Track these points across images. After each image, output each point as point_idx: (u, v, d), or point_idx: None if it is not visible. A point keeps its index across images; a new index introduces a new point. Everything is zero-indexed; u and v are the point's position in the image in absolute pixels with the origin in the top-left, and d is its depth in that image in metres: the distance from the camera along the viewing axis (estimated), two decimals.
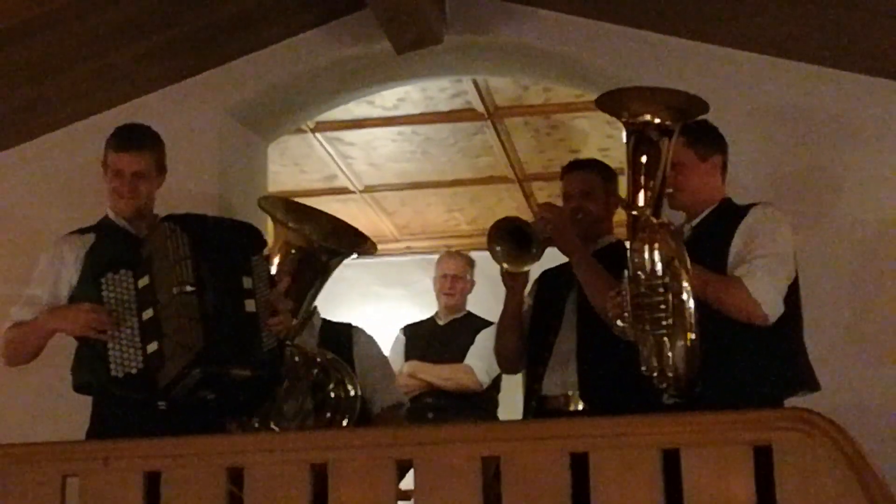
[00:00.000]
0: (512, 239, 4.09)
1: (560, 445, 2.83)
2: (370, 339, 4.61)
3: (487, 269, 4.22)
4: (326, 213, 4.44)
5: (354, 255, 4.39)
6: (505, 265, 4.13)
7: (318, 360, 4.15)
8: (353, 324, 4.63)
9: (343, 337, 4.47)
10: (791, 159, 4.90)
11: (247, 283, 3.78)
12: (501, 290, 4.34)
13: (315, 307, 4.48)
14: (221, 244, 3.82)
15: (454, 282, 6.09)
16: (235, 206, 5.32)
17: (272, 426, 4.04)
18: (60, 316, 3.87)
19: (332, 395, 4.13)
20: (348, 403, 4.14)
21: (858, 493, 2.63)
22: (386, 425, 4.26)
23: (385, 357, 4.70)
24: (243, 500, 2.99)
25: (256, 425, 4.02)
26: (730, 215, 3.78)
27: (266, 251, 3.99)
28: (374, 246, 4.48)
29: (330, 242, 4.26)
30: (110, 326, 3.73)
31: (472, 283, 6.17)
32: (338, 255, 4.28)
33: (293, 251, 4.18)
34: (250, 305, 3.76)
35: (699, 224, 3.85)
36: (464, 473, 2.85)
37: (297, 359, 4.09)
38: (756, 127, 4.78)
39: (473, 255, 6.23)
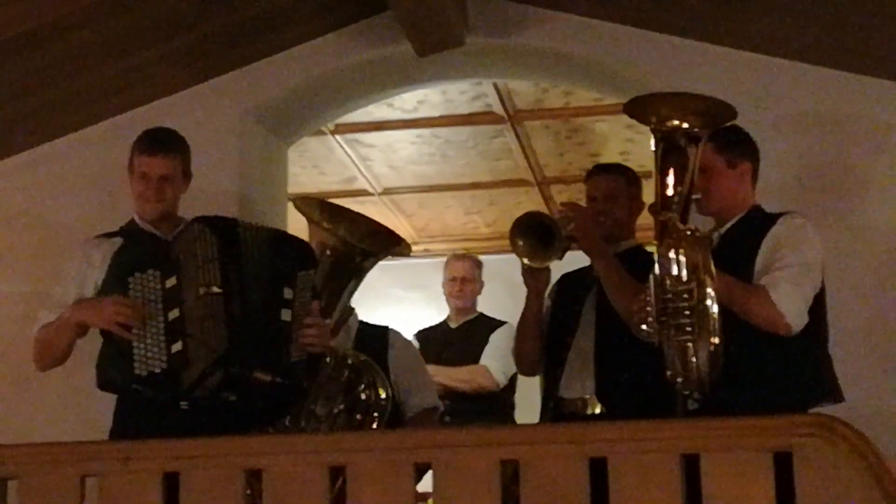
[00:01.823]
0: (534, 234, 4.09)
1: (579, 450, 2.82)
2: (406, 343, 4.62)
3: (506, 272, 4.22)
4: (362, 214, 4.42)
5: (389, 256, 4.39)
6: (525, 260, 4.12)
7: (350, 361, 4.14)
8: (391, 327, 4.63)
9: (379, 339, 4.47)
10: (818, 164, 4.88)
11: (287, 293, 3.80)
12: (517, 292, 4.33)
13: (353, 309, 4.49)
14: (262, 251, 3.83)
15: (463, 284, 6.10)
16: (256, 208, 5.33)
17: (303, 426, 4.04)
18: (88, 307, 3.88)
19: (363, 396, 4.13)
20: (379, 405, 4.13)
21: (879, 500, 2.62)
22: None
23: (421, 360, 4.68)
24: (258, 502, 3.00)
25: (287, 423, 4.02)
26: (758, 224, 3.76)
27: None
28: (408, 247, 4.45)
29: (365, 243, 4.23)
30: (137, 318, 3.74)
31: (482, 285, 6.18)
32: (372, 257, 4.26)
33: (328, 252, 4.17)
34: (286, 315, 3.78)
35: (727, 231, 3.84)
36: (482, 477, 2.84)
37: (328, 360, 4.08)
38: (782, 132, 4.77)
39: (492, 258, 6.25)
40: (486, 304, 6.21)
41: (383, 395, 4.14)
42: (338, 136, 7.00)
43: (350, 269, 4.19)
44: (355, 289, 4.29)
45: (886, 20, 4.51)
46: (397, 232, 8.40)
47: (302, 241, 4.06)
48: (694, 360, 3.43)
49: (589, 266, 4.27)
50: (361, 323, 4.55)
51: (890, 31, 4.58)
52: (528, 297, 4.32)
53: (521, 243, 4.08)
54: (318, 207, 4.42)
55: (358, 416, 4.10)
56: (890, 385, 4.61)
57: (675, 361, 3.45)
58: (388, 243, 4.34)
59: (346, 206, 7.65)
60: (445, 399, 5.75)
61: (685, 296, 3.41)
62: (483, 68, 5.66)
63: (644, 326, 3.49)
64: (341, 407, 4.07)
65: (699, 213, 3.85)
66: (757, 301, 3.57)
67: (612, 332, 4.07)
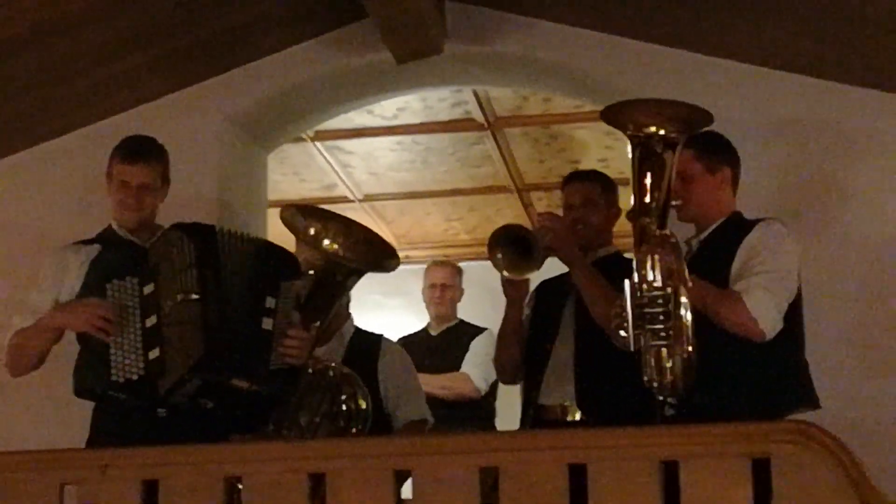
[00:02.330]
0: (513, 246, 4.10)
1: (558, 456, 2.83)
2: (399, 352, 4.60)
3: (486, 279, 4.23)
4: (356, 222, 4.30)
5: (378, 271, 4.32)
6: (505, 273, 4.13)
7: (332, 373, 4.14)
8: (385, 335, 4.61)
9: (371, 348, 4.46)
10: (794, 172, 4.90)
11: (270, 302, 3.80)
12: (497, 299, 4.34)
13: (350, 315, 4.48)
14: (243, 259, 3.82)
15: (443, 291, 6.10)
16: (236, 215, 5.32)
17: (284, 435, 4.03)
18: (66, 311, 3.88)
19: (344, 407, 4.12)
20: (359, 416, 4.12)
21: None
22: None
23: (413, 371, 4.65)
24: None
25: (272, 428, 4.01)
26: (737, 230, 3.77)
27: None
28: (397, 260, 4.29)
29: (354, 258, 4.13)
30: (115, 321, 3.73)
31: (462, 292, 6.18)
32: (358, 274, 4.18)
33: (312, 271, 4.10)
34: (267, 324, 3.78)
35: (707, 237, 3.85)
36: (462, 484, 2.84)
37: (310, 371, 4.07)
38: (758, 139, 4.79)
39: (473, 264, 6.25)
40: (467, 311, 6.21)
41: (364, 406, 4.13)
42: (318, 143, 6.99)
43: (336, 284, 4.16)
44: (346, 300, 4.26)
45: (862, 29, 4.53)
46: None
47: (286, 251, 4.04)
48: (668, 365, 3.43)
49: (567, 273, 4.28)
50: (356, 330, 4.54)
51: (866, 39, 4.60)
52: (507, 307, 4.34)
53: (499, 256, 4.10)
54: (312, 214, 4.24)
55: (341, 424, 4.10)
56: (871, 391, 4.62)
57: (651, 367, 3.45)
58: (380, 257, 4.24)
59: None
60: None
61: (659, 301, 3.41)
62: (462, 75, 5.67)
63: (621, 332, 3.49)
64: (321, 418, 4.07)
65: (679, 219, 3.86)
66: (730, 307, 3.58)
67: (591, 338, 4.08)
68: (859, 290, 4.76)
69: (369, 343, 4.49)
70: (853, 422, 4.06)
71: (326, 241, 4.12)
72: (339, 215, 4.28)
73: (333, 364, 4.19)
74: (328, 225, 4.15)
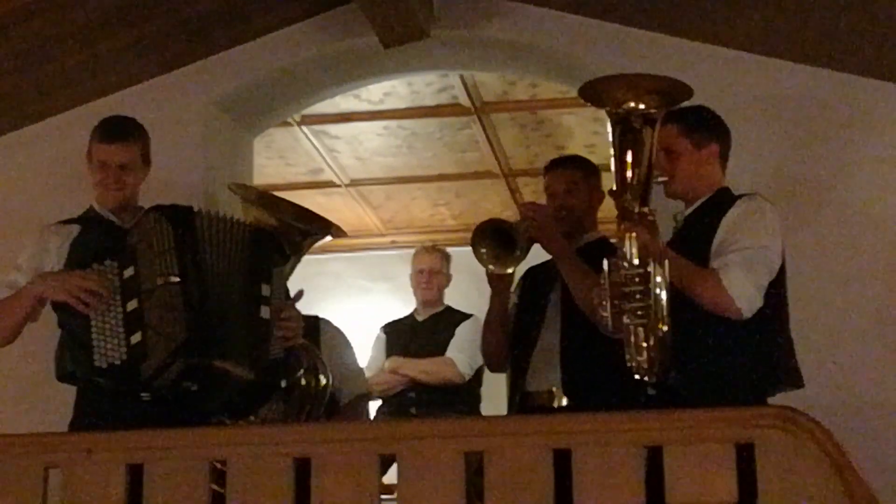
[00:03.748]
0: (496, 240, 4.10)
1: (543, 441, 2.83)
2: (337, 331, 4.60)
3: (473, 264, 4.22)
4: (292, 202, 4.41)
5: (327, 238, 4.37)
6: (490, 267, 4.13)
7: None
8: (320, 316, 4.63)
9: (310, 328, 4.46)
10: (780, 156, 4.92)
11: (265, 290, 3.79)
12: (484, 285, 4.34)
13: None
14: (227, 240, 3.81)
15: (430, 276, 6.09)
16: (220, 199, 5.31)
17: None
18: (48, 279, 3.83)
19: (303, 381, 4.13)
20: (318, 391, 4.13)
21: (840, 492, 2.64)
22: (352, 416, 4.29)
23: (352, 349, 4.65)
24: (225, 495, 2.99)
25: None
26: (722, 205, 3.73)
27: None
28: (341, 230, 4.44)
29: (300, 223, 4.23)
30: (101, 291, 3.70)
31: (449, 277, 6.18)
32: (310, 236, 4.25)
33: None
34: (265, 312, 3.78)
35: (692, 213, 3.82)
36: (447, 468, 2.85)
37: None
38: (745, 124, 4.79)
39: (459, 250, 6.23)
40: (454, 297, 6.21)
41: (323, 382, 4.14)
42: (304, 128, 6.99)
43: (290, 250, 4.16)
44: (292, 270, 4.28)
45: (851, 16, 4.54)
46: (363, 223, 8.41)
47: (273, 234, 4.04)
48: (645, 344, 3.43)
49: (553, 259, 4.28)
50: None
51: (855, 26, 4.61)
52: (492, 296, 4.34)
53: (483, 251, 4.09)
54: (254, 192, 4.45)
55: (297, 403, 4.10)
56: (855, 377, 4.64)
57: (630, 346, 3.45)
58: (321, 226, 4.32)
59: (313, 197, 7.68)
60: (411, 391, 5.77)
61: (636, 280, 3.41)
62: (449, 60, 5.66)
63: (602, 312, 3.48)
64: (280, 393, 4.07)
65: (666, 195, 3.84)
66: (706, 284, 3.55)
67: (577, 325, 4.08)
68: (844, 275, 4.78)
69: (308, 324, 4.49)
70: (830, 406, 4.07)
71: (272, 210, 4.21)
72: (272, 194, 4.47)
73: None
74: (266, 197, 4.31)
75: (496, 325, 4.39)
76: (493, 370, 4.75)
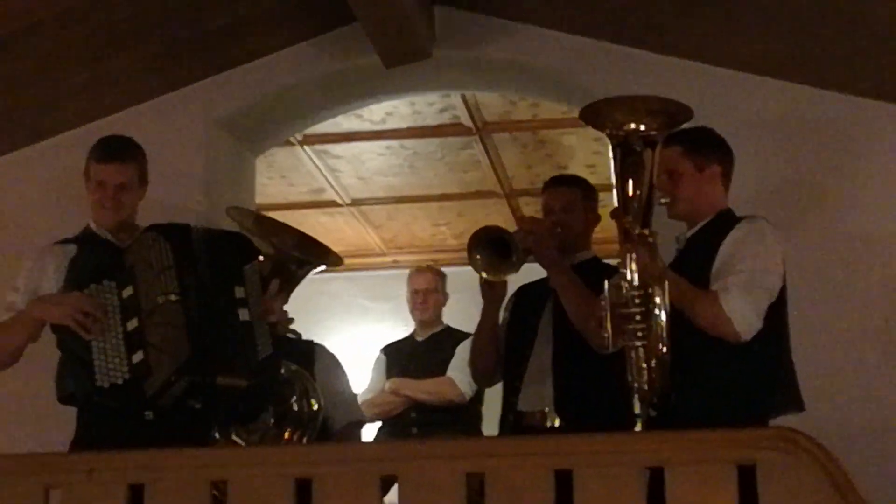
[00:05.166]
0: (492, 248, 4.11)
1: (544, 462, 2.83)
2: (332, 356, 4.60)
3: (473, 284, 4.23)
4: (291, 227, 4.43)
5: (322, 267, 4.38)
6: (484, 274, 4.14)
7: (283, 371, 4.13)
8: (315, 340, 4.62)
9: (305, 354, 4.46)
10: (773, 173, 4.93)
11: (239, 292, 3.78)
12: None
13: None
14: (210, 253, 3.82)
15: (426, 296, 6.08)
16: (222, 218, 5.31)
17: (234, 438, 4.02)
18: (47, 302, 3.83)
19: (295, 407, 4.13)
20: (311, 417, 4.13)
21: None
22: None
23: (345, 375, 4.65)
24: None
25: (217, 436, 4.00)
26: (723, 227, 3.72)
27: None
28: (339, 259, 4.46)
29: (298, 252, 4.24)
30: (97, 315, 3.71)
31: (446, 296, 6.17)
32: (306, 265, 4.26)
33: (261, 259, 4.15)
34: (244, 315, 3.76)
35: (694, 234, 3.81)
36: (448, 489, 2.84)
37: None
38: (741, 143, 4.80)
39: (460, 269, 6.20)
40: (454, 317, 6.20)
41: (315, 407, 4.14)
42: (306, 147, 6.99)
43: (284, 278, 4.17)
44: (287, 298, 4.28)
45: (841, 35, 4.55)
46: (365, 243, 8.41)
47: (237, 233, 4.06)
48: (645, 365, 3.43)
49: (546, 278, 4.29)
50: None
51: (843, 45, 4.63)
52: (484, 308, 4.34)
53: (478, 257, 4.11)
54: (252, 217, 4.47)
55: (289, 428, 4.10)
56: (850, 394, 4.64)
57: (632, 367, 3.45)
58: (320, 253, 4.33)
59: (315, 216, 7.68)
60: (413, 411, 5.76)
61: (637, 301, 3.41)
62: (451, 80, 5.67)
63: (603, 333, 3.49)
64: (272, 419, 4.07)
65: (669, 216, 3.83)
66: (706, 306, 3.54)
67: (569, 343, 4.09)
68: (833, 290, 4.78)
69: (302, 349, 4.48)
70: (828, 425, 4.05)
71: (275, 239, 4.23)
72: (273, 220, 4.48)
73: (283, 363, 4.17)
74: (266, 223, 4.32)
75: (486, 336, 4.39)
76: (480, 384, 4.75)
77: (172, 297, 3.68)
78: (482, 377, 4.55)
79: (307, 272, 4.28)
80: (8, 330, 3.89)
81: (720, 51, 4.97)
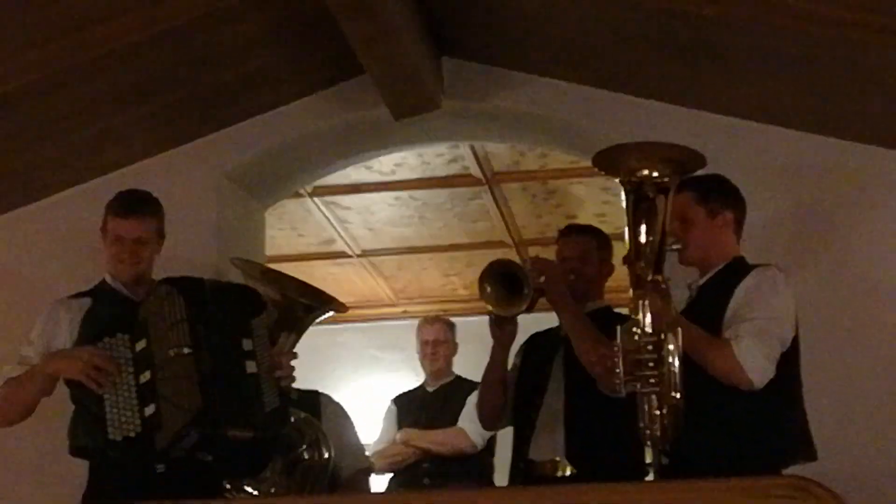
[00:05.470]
0: (503, 283, 4.09)
1: None
2: (337, 405, 4.61)
3: (484, 334, 4.22)
4: (296, 277, 4.43)
5: (329, 313, 4.39)
6: (492, 307, 4.12)
7: (293, 419, 4.12)
8: (319, 390, 4.62)
9: (310, 403, 4.45)
10: (793, 225, 4.92)
11: (247, 345, 3.80)
12: None
13: None
14: (220, 306, 3.84)
15: (436, 347, 6.09)
16: (233, 271, 5.32)
17: (246, 489, 4.02)
18: (60, 357, 3.86)
19: (306, 456, 4.12)
20: (321, 465, 4.12)
21: None
22: (354, 491, 4.27)
23: (352, 423, 4.66)
24: None
25: (227, 486, 3.99)
26: (736, 275, 3.72)
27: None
28: (344, 306, 4.45)
29: (304, 299, 4.24)
30: (110, 370, 3.71)
31: (456, 346, 6.17)
32: (313, 311, 4.27)
33: (269, 308, 4.16)
34: (251, 367, 3.78)
35: (706, 282, 3.82)
36: None
37: None
38: (756, 193, 4.81)
39: (470, 320, 6.23)
40: (465, 367, 6.19)
41: (326, 456, 4.13)
42: (316, 199, 7.02)
43: (291, 325, 4.17)
44: (294, 345, 4.29)
45: (857, 83, 4.56)
46: (375, 293, 8.42)
47: (246, 287, 4.07)
48: (658, 412, 3.42)
49: (557, 326, 4.28)
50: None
51: (848, 94, 4.64)
52: (493, 349, 4.31)
53: (489, 290, 4.09)
54: (258, 268, 4.48)
55: (300, 477, 4.09)
56: (861, 441, 4.61)
57: (644, 414, 3.44)
58: (325, 300, 4.33)
59: (325, 267, 7.70)
60: (425, 462, 5.75)
61: (650, 347, 3.41)
62: (459, 131, 5.69)
63: (616, 380, 3.48)
64: (281, 467, 4.06)
65: (680, 262, 3.84)
66: (718, 354, 3.54)
67: (581, 391, 4.07)
68: (843, 336, 4.76)
69: (307, 399, 4.47)
70: (841, 473, 4.03)
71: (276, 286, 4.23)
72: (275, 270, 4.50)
73: (292, 411, 4.17)
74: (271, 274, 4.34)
75: (494, 377, 4.36)
76: (486, 427, 4.71)
77: (185, 351, 3.70)
78: (488, 419, 4.53)
79: (314, 318, 4.27)
80: (22, 384, 3.90)
81: (729, 100, 4.98)
